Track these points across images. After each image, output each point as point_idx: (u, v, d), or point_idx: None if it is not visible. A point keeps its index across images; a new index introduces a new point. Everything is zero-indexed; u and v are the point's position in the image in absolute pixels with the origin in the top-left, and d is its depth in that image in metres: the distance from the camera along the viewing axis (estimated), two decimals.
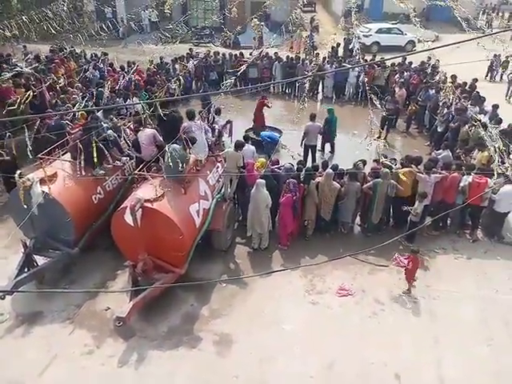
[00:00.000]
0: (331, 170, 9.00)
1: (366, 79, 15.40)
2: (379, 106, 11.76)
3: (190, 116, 8.79)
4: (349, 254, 7.68)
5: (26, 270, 7.72)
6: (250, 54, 18.74)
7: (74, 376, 6.45)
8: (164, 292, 7.51)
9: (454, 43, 4.92)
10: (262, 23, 25.73)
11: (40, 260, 8.02)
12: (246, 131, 13.29)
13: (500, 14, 30.55)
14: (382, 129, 13.61)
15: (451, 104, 12.47)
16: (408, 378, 6.49)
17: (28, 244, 7.89)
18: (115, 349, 6.84)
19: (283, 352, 6.84)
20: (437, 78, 14.91)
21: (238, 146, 8.98)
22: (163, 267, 7.56)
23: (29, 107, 12.09)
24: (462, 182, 9.03)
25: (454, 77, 14.25)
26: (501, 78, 19.77)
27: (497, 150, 9.01)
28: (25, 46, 18.87)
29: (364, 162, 9.60)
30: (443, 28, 26.84)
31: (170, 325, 7.30)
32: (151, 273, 7.46)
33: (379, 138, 13.22)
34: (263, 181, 8.57)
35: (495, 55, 16.38)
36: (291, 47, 24.34)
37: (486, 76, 19.75)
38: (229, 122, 10.75)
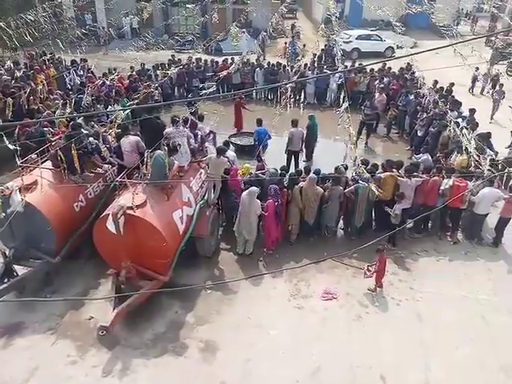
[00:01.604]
0: (314, 175, 9.07)
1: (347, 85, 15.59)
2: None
3: (175, 122, 8.77)
4: (331, 257, 7.76)
5: (5, 280, 7.56)
6: (257, 59, 18.86)
7: None
8: (148, 300, 7.44)
9: (433, 49, 5.03)
10: (244, 30, 26.00)
11: (20, 270, 7.86)
12: (230, 137, 13.36)
13: (474, 20, 31.32)
14: (360, 134, 13.75)
15: (430, 110, 12.71)
16: (393, 379, 6.55)
17: (7, 253, 7.74)
18: (99, 358, 6.73)
19: (269, 357, 6.84)
20: (415, 78, 15.17)
21: (220, 151, 9.01)
22: (147, 275, 7.48)
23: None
24: (442, 185, 9.20)
25: (435, 82, 14.52)
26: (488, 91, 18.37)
27: (474, 153, 9.23)
28: None
29: (346, 167, 9.71)
30: (421, 34, 27.44)
31: (154, 333, 7.23)
32: (135, 280, 7.37)
33: (356, 143, 13.42)
34: (256, 189, 8.60)
35: (477, 68, 16.05)
36: (285, 52, 24.47)
37: (470, 89, 19.06)
38: (212, 132, 10.75)
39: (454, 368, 6.73)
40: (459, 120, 11.74)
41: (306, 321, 7.55)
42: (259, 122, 12.46)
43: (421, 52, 5.82)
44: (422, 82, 14.34)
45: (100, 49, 25.38)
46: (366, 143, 14.07)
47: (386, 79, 16.20)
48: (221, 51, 24.71)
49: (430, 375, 6.62)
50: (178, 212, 7.92)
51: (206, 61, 18.88)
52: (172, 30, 28.61)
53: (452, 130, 10.90)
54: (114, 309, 6.95)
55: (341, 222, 9.84)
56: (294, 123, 11.95)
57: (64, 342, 7.02)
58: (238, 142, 13.34)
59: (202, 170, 9.33)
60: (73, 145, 7.97)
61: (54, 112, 11.76)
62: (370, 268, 7.99)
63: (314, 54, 20.06)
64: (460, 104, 13.18)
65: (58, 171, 8.26)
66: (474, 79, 18.25)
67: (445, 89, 14.65)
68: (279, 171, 9.45)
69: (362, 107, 13.83)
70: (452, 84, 14.89)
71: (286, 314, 7.67)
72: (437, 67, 13.87)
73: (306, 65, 18.15)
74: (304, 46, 24.28)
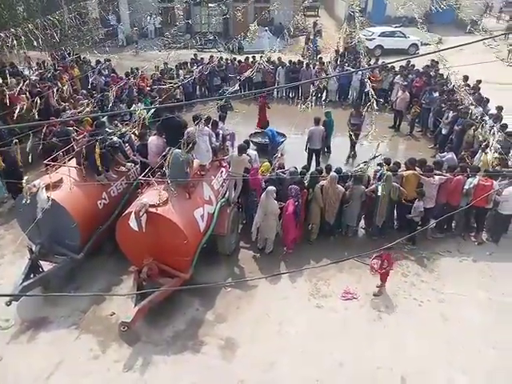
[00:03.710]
0: (335, 174, 8.99)
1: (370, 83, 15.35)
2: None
3: (196, 121, 8.83)
4: (352, 257, 7.69)
5: (31, 275, 7.77)
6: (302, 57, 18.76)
7: (79, 381, 6.46)
8: (169, 297, 7.53)
9: (461, 45, 4.92)
10: (266, 28, 25.93)
11: (45, 265, 8.07)
12: (250, 136, 13.38)
13: (502, 15, 30.49)
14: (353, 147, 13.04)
15: (456, 106, 12.40)
16: (414, 381, 6.47)
17: (34, 249, 7.94)
18: (120, 354, 6.86)
19: (288, 356, 6.84)
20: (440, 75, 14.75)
21: (241, 149, 9.04)
22: (168, 272, 7.57)
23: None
24: (466, 184, 9.00)
25: (465, 78, 14.13)
26: None
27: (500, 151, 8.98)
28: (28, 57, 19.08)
29: (365, 163, 9.62)
30: (446, 31, 26.87)
31: (174, 329, 7.31)
32: (156, 278, 7.48)
33: (349, 157, 12.91)
34: (273, 188, 8.59)
35: None
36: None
37: None
38: (231, 134, 10.80)
39: (477, 371, 6.61)
40: (486, 118, 11.44)
41: (326, 320, 7.51)
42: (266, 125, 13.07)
43: (446, 49, 5.71)
44: (450, 78, 14.00)
45: (123, 49, 25.75)
46: (354, 154, 13.01)
47: (410, 76, 15.92)
48: (242, 49, 24.71)
49: (452, 378, 6.51)
50: (199, 210, 7.99)
51: (227, 59, 18.94)
52: (194, 29, 28.79)
53: (478, 129, 10.63)
54: (135, 305, 7.07)
55: (362, 221, 9.74)
56: (316, 121, 11.88)
57: (87, 336, 7.18)
58: (258, 141, 13.33)
59: (223, 169, 9.38)
60: (97, 144, 8.13)
61: (80, 112, 12.00)
62: (375, 264, 7.80)
63: (337, 51, 19.89)
64: (487, 101, 12.84)
65: (82, 169, 8.44)
66: None
67: (471, 86, 14.28)
68: (300, 170, 9.42)
69: (349, 116, 12.97)
70: (479, 81, 14.49)
71: (305, 313, 7.65)
72: (462, 64, 13.54)
73: (328, 62, 18.01)
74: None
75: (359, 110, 12.92)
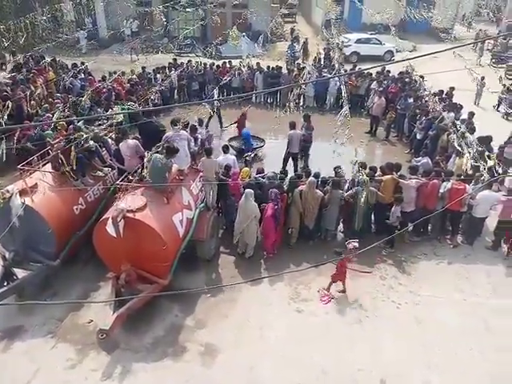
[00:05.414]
0: (314, 178, 9.07)
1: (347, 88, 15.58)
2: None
3: (174, 125, 8.78)
4: (331, 260, 7.76)
5: (5, 283, 7.56)
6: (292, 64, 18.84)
7: None
8: (148, 303, 7.43)
9: (433, 53, 5.05)
10: (244, 33, 26.02)
11: (20, 273, 7.85)
12: (229, 140, 13.38)
13: (471, 24, 31.62)
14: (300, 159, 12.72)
15: (429, 112, 12.72)
16: (394, 383, 6.54)
17: (7, 256, 7.72)
18: (99, 362, 6.72)
19: (269, 360, 6.83)
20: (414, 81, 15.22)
21: (209, 152, 9.03)
22: (147, 278, 7.47)
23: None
24: (441, 188, 9.21)
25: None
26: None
27: (473, 155, 9.24)
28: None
29: (339, 167, 9.73)
30: (420, 38, 27.55)
31: (154, 336, 7.21)
32: (134, 284, 7.37)
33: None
34: (251, 191, 8.60)
35: (483, 78, 15.06)
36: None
37: (476, 103, 17.37)
38: (208, 136, 10.80)
39: (454, 372, 6.73)
40: (458, 122, 11.75)
41: (306, 324, 7.54)
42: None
43: (420, 56, 5.86)
44: (421, 85, 14.37)
45: (99, 52, 25.38)
46: (300, 167, 12.32)
47: (385, 82, 16.23)
48: (221, 54, 24.73)
49: (431, 379, 6.61)
50: (178, 215, 7.92)
51: (205, 64, 18.90)
52: (172, 33, 28.65)
53: (452, 133, 10.90)
54: (113, 312, 6.94)
55: (340, 225, 9.84)
56: (292, 125, 11.96)
57: (64, 345, 7.01)
58: (237, 146, 13.34)
59: (202, 174, 9.33)
60: (72, 148, 7.99)
61: (54, 115, 11.77)
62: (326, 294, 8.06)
63: (315, 58, 20.13)
64: (460, 107, 13.21)
65: (57, 174, 8.27)
66: (479, 92, 17.20)
67: (445, 92, 14.68)
68: (278, 175, 9.46)
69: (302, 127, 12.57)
70: (452, 88, 14.90)
71: (286, 318, 7.66)
72: (434, 71, 13.95)
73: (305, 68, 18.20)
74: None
75: (309, 121, 12.64)
